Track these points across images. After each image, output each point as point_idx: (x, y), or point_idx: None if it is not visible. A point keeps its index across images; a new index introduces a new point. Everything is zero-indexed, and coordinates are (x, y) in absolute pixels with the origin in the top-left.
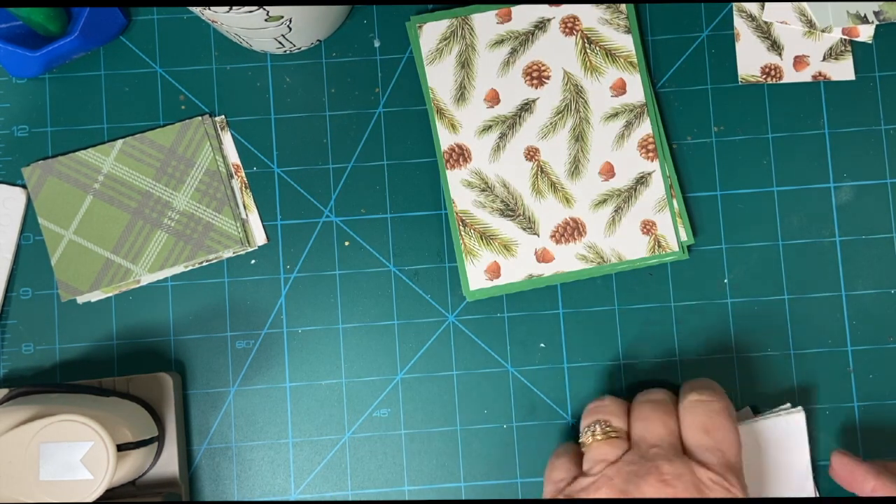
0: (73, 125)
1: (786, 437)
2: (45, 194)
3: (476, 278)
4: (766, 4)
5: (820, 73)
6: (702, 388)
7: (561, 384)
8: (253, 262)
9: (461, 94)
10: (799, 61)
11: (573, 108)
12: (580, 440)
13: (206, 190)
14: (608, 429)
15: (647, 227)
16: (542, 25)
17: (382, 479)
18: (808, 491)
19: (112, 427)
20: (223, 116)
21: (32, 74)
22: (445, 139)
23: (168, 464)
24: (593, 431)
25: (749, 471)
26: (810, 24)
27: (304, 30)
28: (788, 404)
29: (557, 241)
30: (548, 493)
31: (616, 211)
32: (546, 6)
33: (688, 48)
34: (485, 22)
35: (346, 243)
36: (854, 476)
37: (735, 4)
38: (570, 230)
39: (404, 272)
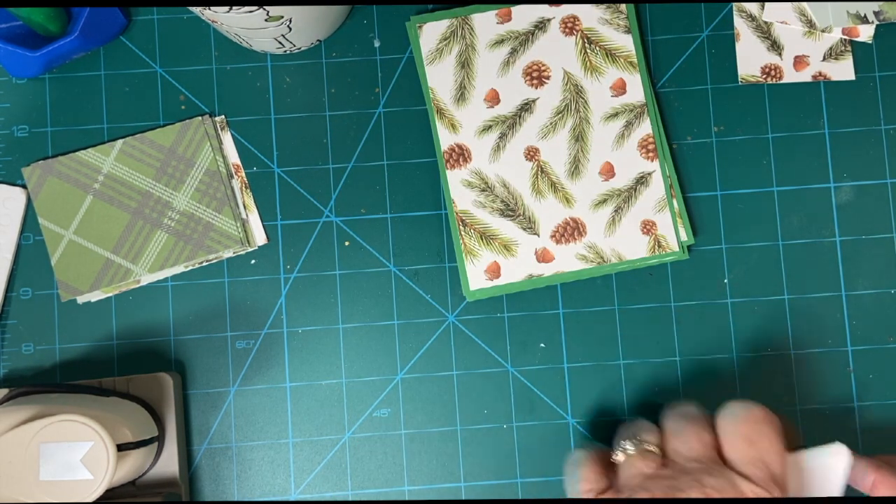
0: (73, 125)
1: (823, 476)
2: (45, 194)
3: (476, 278)
4: (766, 4)
5: (820, 73)
6: (741, 402)
7: (561, 384)
8: (253, 262)
9: (461, 94)
10: (799, 61)
11: (573, 108)
12: (613, 458)
13: (206, 190)
14: (642, 443)
15: (647, 227)
16: (542, 25)
17: (382, 479)
18: None
19: (112, 427)
20: (223, 116)
21: (32, 74)
22: (445, 139)
23: (168, 464)
24: (625, 448)
25: None
26: (810, 24)
27: (304, 30)
28: (837, 443)
29: (557, 241)
30: None
31: (616, 211)
32: (546, 6)
33: (688, 48)
34: (485, 22)
35: (346, 243)
36: (854, 472)
37: (735, 4)
38: (570, 230)
39: (404, 272)
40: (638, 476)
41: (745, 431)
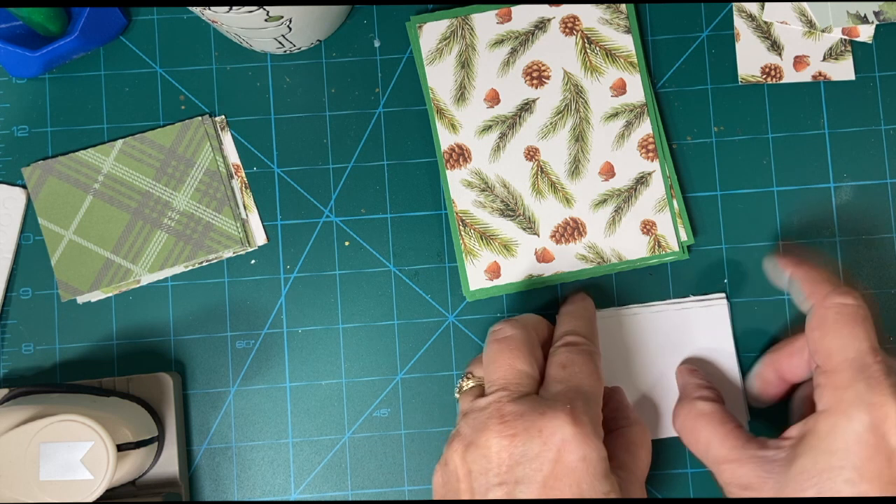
0: (73, 125)
1: (712, 323)
2: (45, 194)
3: (476, 278)
4: (766, 4)
5: (820, 73)
6: (574, 329)
7: None
8: (253, 262)
9: (461, 94)
10: (799, 61)
11: (573, 108)
12: (456, 394)
13: (206, 190)
14: (469, 381)
15: (647, 227)
16: (542, 25)
17: (382, 479)
18: (734, 372)
19: (112, 427)
20: (223, 116)
21: (32, 74)
22: (445, 139)
23: (168, 464)
24: (458, 387)
25: (678, 351)
26: (810, 24)
27: (304, 30)
28: (721, 294)
29: (557, 241)
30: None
31: (616, 211)
32: (546, 6)
33: (688, 48)
34: (485, 22)
35: (346, 243)
36: (772, 272)
37: (735, 4)
38: (570, 230)
39: (404, 272)
40: (461, 416)
41: (561, 360)
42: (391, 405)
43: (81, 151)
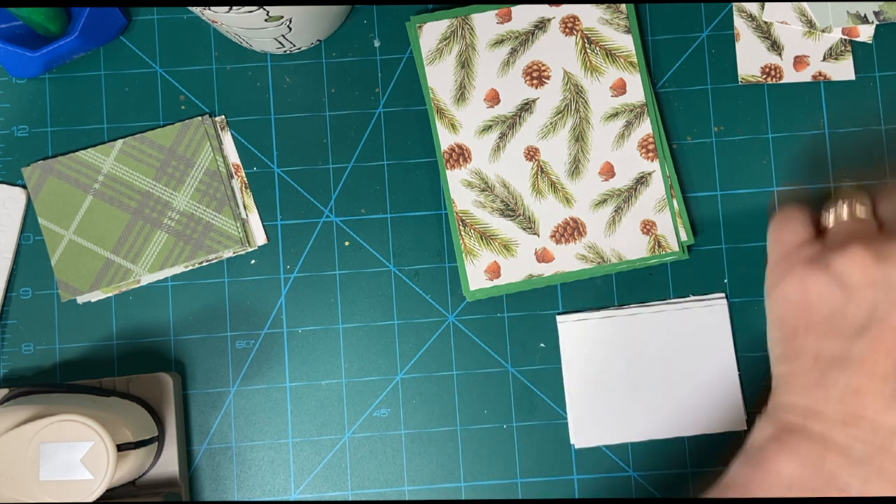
0: (73, 125)
1: (712, 323)
2: (45, 194)
3: (476, 278)
4: (766, 4)
5: (820, 73)
6: None
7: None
8: (253, 262)
9: (461, 94)
10: (799, 61)
11: (573, 107)
12: (822, 221)
13: (206, 190)
14: (856, 207)
15: (647, 227)
16: (542, 25)
17: (382, 479)
18: (733, 372)
19: (112, 427)
20: (223, 116)
21: (32, 74)
22: (445, 139)
23: (168, 464)
24: (836, 212)
25: (678, 351)
26: (810, 24)
27: (304, 30)
28: (721, 294)
29: (557, 241)
30: (775, 257)
31: (616, 211)
32: (546, 6)
33: (688, 48)
34: (485, 22)
35: (346, 243)
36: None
37: (735, 4)
38: (570, 230)
39: (404, 272)
40: (845, 227)
41: None
42: (391, 405)
43: (81, 151)
